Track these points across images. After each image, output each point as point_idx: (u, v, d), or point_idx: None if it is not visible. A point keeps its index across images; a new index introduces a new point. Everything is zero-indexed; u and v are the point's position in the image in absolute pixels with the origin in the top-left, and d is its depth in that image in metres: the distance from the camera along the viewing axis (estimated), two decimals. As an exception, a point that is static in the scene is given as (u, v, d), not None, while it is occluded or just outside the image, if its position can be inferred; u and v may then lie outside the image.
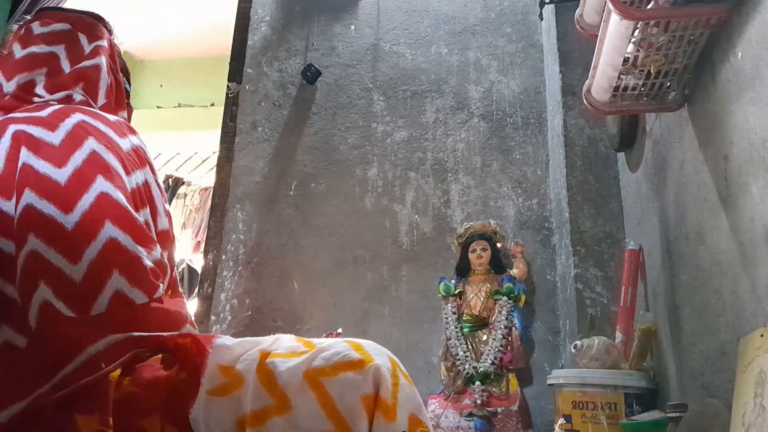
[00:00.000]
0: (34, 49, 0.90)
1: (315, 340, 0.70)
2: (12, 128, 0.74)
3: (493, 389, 1.92)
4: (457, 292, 2.11)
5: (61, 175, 0.67)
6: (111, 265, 0.64)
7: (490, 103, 2.47)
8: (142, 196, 0.74)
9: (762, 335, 0.96)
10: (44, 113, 0.78)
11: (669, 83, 1.36)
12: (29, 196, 0.66)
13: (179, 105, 4.18)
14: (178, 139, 4.15)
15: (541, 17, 2.43)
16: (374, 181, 2.42)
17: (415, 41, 2.62)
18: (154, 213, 0.76)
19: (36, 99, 0.85)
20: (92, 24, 1.00)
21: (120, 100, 1.01)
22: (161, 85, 4.35)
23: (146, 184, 0.76)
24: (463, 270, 2.16)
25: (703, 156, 1.27)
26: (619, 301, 1.67)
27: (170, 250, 0.82)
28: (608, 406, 1.48)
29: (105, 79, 0.95)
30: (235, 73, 2.68)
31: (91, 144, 0.72)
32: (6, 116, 0.79)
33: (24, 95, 0.85)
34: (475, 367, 1.94)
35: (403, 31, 2.64)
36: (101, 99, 0.92)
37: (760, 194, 1.03)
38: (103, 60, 0.97)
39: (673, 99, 1.38)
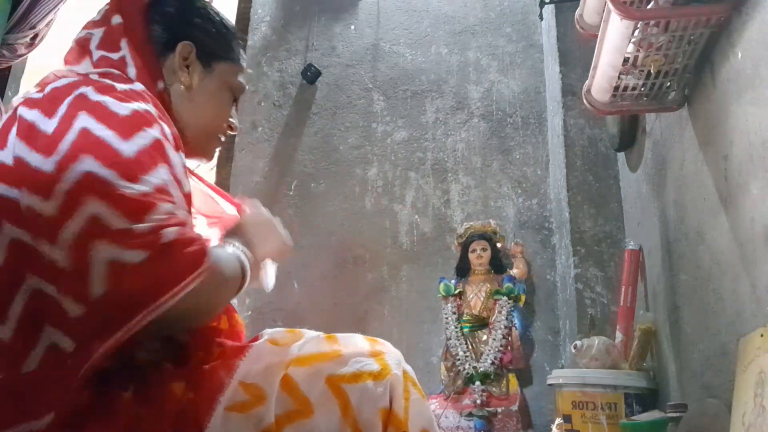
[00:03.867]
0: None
1: (339, 338, 0.70)
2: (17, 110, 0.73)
3: (493, 389, 1.92)
4: (457, 292, 2.11)
5: (47, 163, 0.65)
6: (92, 240, 0.61)
7: (490, 103, 2.47)
8: (148, 157, 0.69)
9: (762, 335, 0.96)
10: (45, 91, 0.75)
11: (669, 83, 1.36)
12: (17, 192, 0.65)
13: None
14: (178, 139, 4.15)
15: (541, 17, 2.43)
16: (374, 181, 2.42)
17: (415, 41, 2.62)
18: (172, 171, 0.71)
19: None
20: None
21: (142, 59, 0.86)
22: (161, 85, 4.35)
23: (154, 142, 0.70)
24: (463, 270, 2.16)
25: (703, 156, 1.27)
26: (619, 301, 1.67)
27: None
28: (608, 406, 1.48)
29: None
30: (235, 73, 2.68)
31: (81, 120, 0.68)
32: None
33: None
34: (475, 367, 1.94)
35: (403, 31, 2.65)
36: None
37: (760, 194, 1.03)
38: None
39: (673, 99, 1.38)
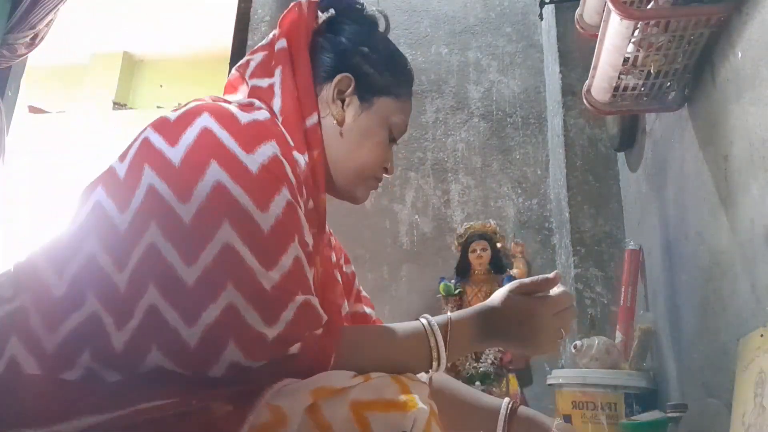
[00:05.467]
0: None
1: (373, 375, 0.67)
2: (144, 133, 0.70)
3: (493, 389, 1.92)
4: (457, 292, 2.11)
5: (185, 210, 0.63)
6: (227, 335, 0.60)
7: (490, 103, 2.47)
8: (283, 230, 0.65)
9: (762, 335, 0.96)
10: (176, 114, 0.72)
11: (669, 83, 1.36)
12: (154, 234, 0.63)
13: (179, 105, 4.18)
14: (179, 139, 4.15)
15: (541, 17, 2.43)
16: (374, 181, 2.42)
17: (415, 41, 2.62)
18: (302, 242, 0.68)
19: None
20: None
21: (298, 89, 0.80)
22: (161, 85, 4.36)
23: (288, 207, 0.66)
24: (463, 270, 2.16)
25: (703, 156, 1.27)
26: (619, 301, 1.67)
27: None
28: (608, 406, 1.48)
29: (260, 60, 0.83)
30: (235, 73, 2.68)
31: (214, 172, 0.63)
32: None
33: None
34: (475, 367, 1.94)
35: (403, 31, 2.64)
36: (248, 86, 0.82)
37: (760, 194, 1.03)
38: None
39: (673, 99, 1.38)
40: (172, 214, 0.61)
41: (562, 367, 1.97)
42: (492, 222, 2.21)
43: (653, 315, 1.63)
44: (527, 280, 0.81)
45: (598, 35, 1.30)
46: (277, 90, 0.79)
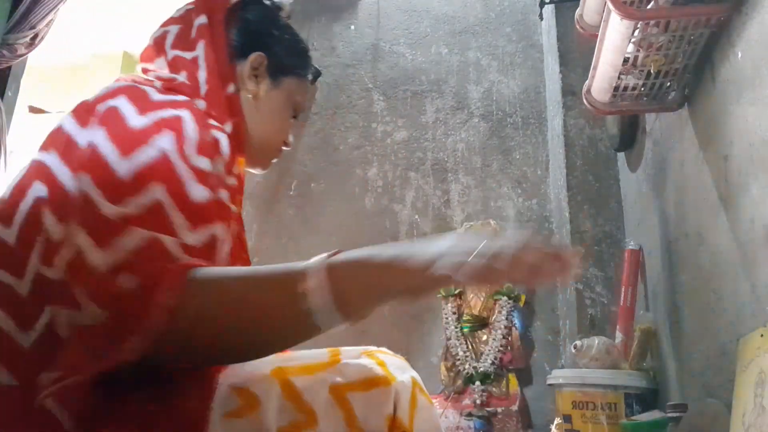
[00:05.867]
0: None
1: (342, 350, 0.67)
2: (60, 120, 0.74)
3: (493, 389, 1.92)
4: (457, 292, 2.11)
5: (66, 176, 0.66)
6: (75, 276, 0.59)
7: (490, 103, 2.47)
8: (136, 176, 0.64)
9: (762, 335, 0.96)
10: (96, 95, 0.76)
11: (669, 83, 1.36)
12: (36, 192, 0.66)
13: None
14: (178, 139, 4.14)
15: (541, 17, 2.43)
16: (374, 181, 2.42)
17: (415, 41, 2.62)
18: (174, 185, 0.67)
19: None
20: None
21: (215, 61, 0.85)
22: (161, 85, 4.35)
23: (160, 155, 0.67)
24: (463, 270, 2.15)
25: (703, 156, 1.27)
26: (619, 301, 1.67)
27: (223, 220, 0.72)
28: (608, 406, 1.48)
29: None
30: (235, 73, 2.68)
31: (97, 134, 0.67)
32: None
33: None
34: (475, 367, 1.94)
35: (403, 31, 2.64)
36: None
37: (760, 194, 1.03)
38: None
39: (673, 99, 1.38)
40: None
41: (562, 367, 1.97)
42: (492, 222, 2.21)
43: (653, 315, 1.63)
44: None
45: (598, 35, 1.30)
46: (202, 63, 0.84)
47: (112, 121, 0.68)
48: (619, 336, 1.63)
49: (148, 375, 0.59)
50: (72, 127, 0.69)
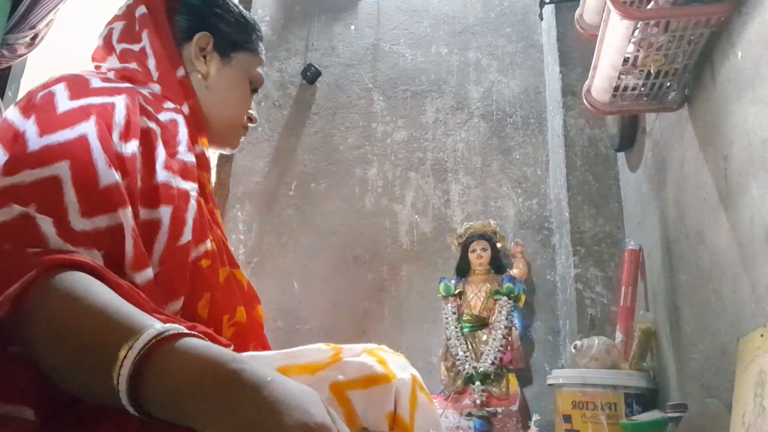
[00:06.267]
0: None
1: (344, 347, 0.67)
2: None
3: (493, 389, 1.92)
4: (457, 292, 2.11)
5: None
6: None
7: (490, 103, 2.47)
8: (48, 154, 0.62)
9: (762, 335, 0.96)
10: (36, 86, 0.74)
11: (669, 83, 1.36)
12: None
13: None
14: (178, 139, 4.14)
15: (541, 17, 2.43)
16: (374, 181, 2.42)
17: (415, 41, 2.62)
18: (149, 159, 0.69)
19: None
20: None
21: (159, 48, 0.86)
22: (161, 85, 4.35)
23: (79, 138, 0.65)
24: (463, 270, 2.16)
25: (703, 156, 1.27)
26: (619, 301, 1.67)
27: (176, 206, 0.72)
28: (608, 406, 1.48)
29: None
30: (235, 73, 2.68)
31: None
32: None
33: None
34: (475, 367, 1.94)
35: (403, 31, 2.64)
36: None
37: (760, 194, 1.03)
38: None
39: (673, 99, 1.38)
40: None
41: (562, 367, 1.97)
42: (492, 222, 2.21)
43: (653, 315, 1.63)
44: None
45: (598, 35, 1.30)
46: (149, 51, 0.86)
47: (44, 107, 0.68)
48: (619, 336, 1.64)
49: None
50: (15, 117, 0.69)
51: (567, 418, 1.53)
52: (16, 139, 0.64)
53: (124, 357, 0.46)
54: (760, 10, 1.03)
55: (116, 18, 0.91)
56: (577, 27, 1.61)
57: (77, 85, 0.72)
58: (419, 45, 2.61)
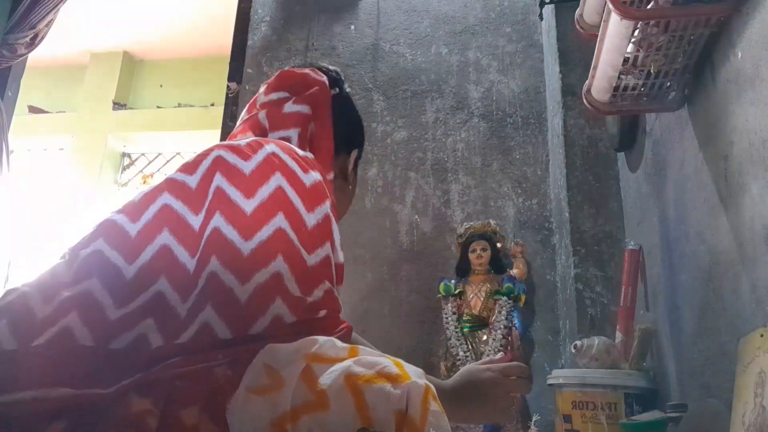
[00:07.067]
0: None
1: (359, 347, 0.72)
2: (215, 152, 0.82)
3: (493, 389, 1.92)
4: (457, 292, 2.11)
5: (248, 205, 0.75)
6: (274, 293, 0.69)
7: (490, 103, 2.47)
8: (321, 231, 0.78)
9: (762, 335, 0.96)
10: (243, 143, 0.84)
11: (669, 83, 1.36)
12: (218, 220, 0.73)
13: (179, 105, 4.19)
14: (178, 139, 4.15)
15: (541, 17, 2.43)
16: (374, 181, 2.42)
17: (415, 41, 2.62)
18: (333, 247, 0.81)
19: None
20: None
21: (322, 150, 0.98)
22: (161, 85, 4.35)
23: (326, 217, 0.80)
24: (463, 270, 2.16)
25: (703, 156, 1.27)
26: (619, 301, 1.67)
27: (341, 283, 0.87)
28: (608, 406, 1.48)
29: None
30: (235, 73, 2.69)
31: (278, 179, 0.78)
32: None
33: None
34: (475, 367, 1.93)
35: (403, 31, 2.65)
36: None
37: (760, 194, 1.03)
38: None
39: (673, 99, 1.38)
40: (235, 206, 0.74)
41: (562, 367, 1.97)
42: (492, 222, 2.21)
43: (653, 315, 1.63)
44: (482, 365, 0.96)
45: (598, 35, 1.30)
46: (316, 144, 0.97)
47: (291, 178, 0.80)
48: (619, 336, 1.64)
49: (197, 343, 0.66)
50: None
51: (567, 418, 1.53)
52: (241, 176, 0.79)
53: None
54: (760, 10, 1.03)
55: (290, 122, 0.98)
56: (577, 27, 1.61)
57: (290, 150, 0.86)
58: (419, 45, 2.61)
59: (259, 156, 0.80)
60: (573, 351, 1.61)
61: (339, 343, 0.70)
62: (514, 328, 2.01)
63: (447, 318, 2.07)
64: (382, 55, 2.62)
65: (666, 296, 1.52)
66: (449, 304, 2.09)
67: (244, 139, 0.87)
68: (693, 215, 1.34)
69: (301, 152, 0.85)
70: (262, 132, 0.97)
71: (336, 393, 0.62)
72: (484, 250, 2.13)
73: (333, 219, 0.81)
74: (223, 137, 2.57)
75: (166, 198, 0.78)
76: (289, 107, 0.99)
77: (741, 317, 1.09)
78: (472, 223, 2.22)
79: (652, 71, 1.28)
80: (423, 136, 2.46)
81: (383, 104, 2.53)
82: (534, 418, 1.78)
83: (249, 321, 0.67)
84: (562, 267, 2.09)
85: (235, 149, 0.82)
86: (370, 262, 2.31)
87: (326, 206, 0.80)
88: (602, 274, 1.90)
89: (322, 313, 0.73)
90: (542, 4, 2.27)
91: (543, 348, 2.09)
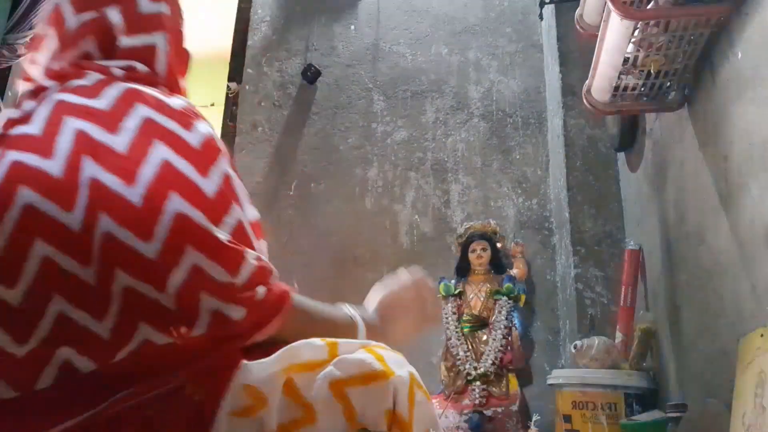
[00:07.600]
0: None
1: (339, 342, 0.69)
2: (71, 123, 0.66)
3: (493, 389, 1.92)
4: (457, 292, 2.11)
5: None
6: (199, 289, 0.62)
7: (490, 103, 2.47)
8: (224, 196, 0.68)
9: (762, 335, 0.96)
10: (104, 105, 0.68)
11: (669, 83, 1.36)
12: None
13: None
14: (178, 139, 4.14)
15: (541, 17, 2.43)
16: (374, 181, 2.42)
17: (415, 41, 2.62)
18: (241, 206, 0.71)
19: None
20: None
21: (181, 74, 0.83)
22: (161, 85, 4.35)
23: (226, 178, 0.69)
24: (463, 270, 2.16)
25: (703, 156, 1.27)
26: (619, 301, 1.67)
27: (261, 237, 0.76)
28: (608, 406, 1.48)
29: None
30: (235, 73, 2.69)
31: (160, 150, 0.66)
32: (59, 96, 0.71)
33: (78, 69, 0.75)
34: (475, 367, 1.94)
35: (403, 31, 2.64)
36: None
37: (760, 194, 1.03)
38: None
39: (673, 99, 1.38)
40: (121, 200, 0.62)
41: (562, 367, 1.97)
42: (492, 222, 2.21)
43: (653, 315, 1.63)
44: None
45: (598, 35, 1.30)
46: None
47: (172, 140, 0.69)
48: (619, 336, 1.64)
49: (172, 366, 0.61)
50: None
51: (567, 418, 1.53)
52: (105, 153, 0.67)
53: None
54: (760, 10, 1.03)
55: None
56: (577, 27, 1.61)
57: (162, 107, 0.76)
58: (419, 45, 2.61)
59: (129, 124, 0.67)
60: (573, 351, 1.61)
61: (317, 341, 0.67)
62: (514, 328, 2.01)
63: (447, 318, 2.07)
64: (382, 55, 2.62)
65: (666, 296, 1.52)
66: (449, 304, 2.09)
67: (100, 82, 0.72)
68: (693, 215, 1.34)
69: (177, 104, 0.72)
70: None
71: (323, 404, 0.62)
72: (484, 250, 2.13)
73: (232, 172, 0.70)
74: (223, 137, 2.57)
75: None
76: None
77: (741, 317, 1.09)
78: (472, 223, 2.22)
79: (652, 71, 1.28)
80: (423, 136, 2.46)
81: (383, 104, 2.53)
82: (534, 418, 1.78)
83: (187, 323, 0.61)
84: (562, 267, 2.09)
85: (88, 112, 0.67)
86: (370, 262, 2.31)
87: (221, 163, 0.69)
88: (602, 274, 1.90)
89: (261, 293, 0.66)
90: (542, 4, 2.27)
91: (543, 348, 2.09)
